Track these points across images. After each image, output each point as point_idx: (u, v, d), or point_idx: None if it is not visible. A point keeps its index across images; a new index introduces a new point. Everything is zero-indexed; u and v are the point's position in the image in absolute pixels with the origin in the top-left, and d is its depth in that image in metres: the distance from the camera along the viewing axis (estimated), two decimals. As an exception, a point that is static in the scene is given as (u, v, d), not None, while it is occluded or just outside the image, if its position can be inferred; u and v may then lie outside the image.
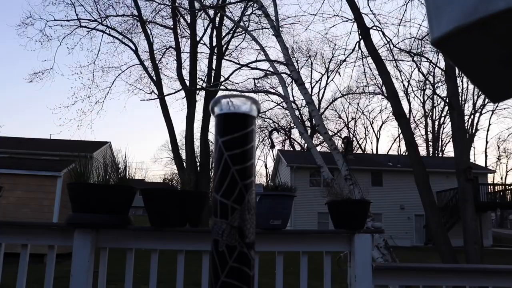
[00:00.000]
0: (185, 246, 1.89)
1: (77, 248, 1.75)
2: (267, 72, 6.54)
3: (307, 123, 29.15)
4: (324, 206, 2.12)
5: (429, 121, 36.62)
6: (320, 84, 39.77)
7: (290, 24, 26.68)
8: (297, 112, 27.73)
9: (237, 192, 0.44)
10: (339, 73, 29.20)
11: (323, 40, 36.31)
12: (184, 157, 18.12)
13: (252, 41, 18.17)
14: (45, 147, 18.56)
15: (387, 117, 36.76)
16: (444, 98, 15.03)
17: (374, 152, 37.03)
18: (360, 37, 7.41)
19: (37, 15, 36.81)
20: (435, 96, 29.99)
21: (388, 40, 8.26)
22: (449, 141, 35.05)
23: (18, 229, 1.85)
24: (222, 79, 18.34)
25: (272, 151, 29.34)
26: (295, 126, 18.89)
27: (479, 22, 0.29)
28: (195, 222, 1.85)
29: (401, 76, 30.58)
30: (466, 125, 27.18)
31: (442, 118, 35.48)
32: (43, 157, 15.60)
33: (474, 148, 38.49)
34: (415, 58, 11.41)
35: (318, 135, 25.29)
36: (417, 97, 35.56)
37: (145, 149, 65.80)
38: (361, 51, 8.49)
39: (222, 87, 19.10)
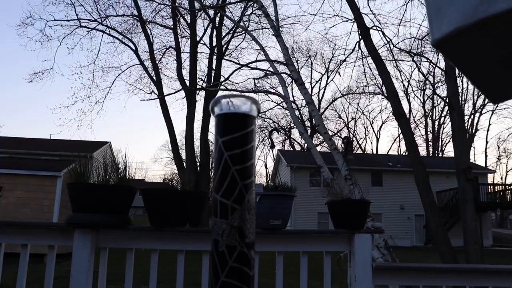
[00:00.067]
0: (185, 246, 1.89)
1: (77, 248, 1.75)
2: (267, 72, 6.54)
3: (307, 123, 29.16)
4: (324, 206, 2.12)
5: (429, 121, 36.66)
6: (320, 84, 39.80)
7: (290, 24, 26.71)
8: (297, 112, 27.74)
9: (237, 192, 0.44)
10: (339, 73, 29.22)
11: (323, 40, 36.36)
12: (184, 157, 18.13)
13: (252, 41, 18.19)
14: (45, 147, 18.56)
15: (387, 117, 36.81)
16: (444, 98, 15.04)
17: (374, 152, 37.05)
18: (360, 37, 7.41)
19: (37, 15, 36.85)
20: (435, 96, 30.03)
21: (388, 40, 8.28)
22: (449, 141, 35.08)
23: (18, 229, 1.85)
24: (222, 79, 18.36)
25: (272, 151, 29.35)
26: (295, 126, 18.89)
27: (480, 23, 0.29)
28: (195, 222, 1.85)
29: (401, 76, 30.60)
30: (466, 125, 27.19)
31: (442, 118, 35.52)
32: (43, 157, 15.61)
33: (474, 148, 38.52)
34: (415, 58, 11.41)
35: (318, 135, 25.29)
36: (417, 97, 35.61)
37: (145, 149, 65.85)
38: (361, 51, 8.50)
39: (222, 87, 19.11)
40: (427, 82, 22.77)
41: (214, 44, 19.31)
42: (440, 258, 7.15)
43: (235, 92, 5.12)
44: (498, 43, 0.31)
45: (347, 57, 9.67)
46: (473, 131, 33.43)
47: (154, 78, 18.65)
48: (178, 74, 18.25)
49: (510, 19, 0.28)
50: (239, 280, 0.43)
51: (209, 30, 19.54)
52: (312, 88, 31.40)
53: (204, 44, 19.74)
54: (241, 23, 16.48)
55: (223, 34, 19.61)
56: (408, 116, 11.27)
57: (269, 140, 26.47)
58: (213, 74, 19.03)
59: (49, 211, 10.62)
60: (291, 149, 31.11)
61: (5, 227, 1.86)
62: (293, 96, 27.15)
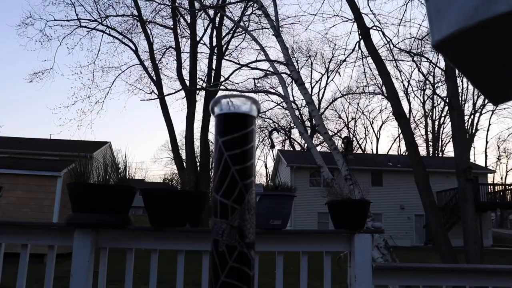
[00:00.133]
0: (185, 246, 1.89)
1: (77, 248, 1.75)
2: (267, 72, 6.54)
3: (307, 123, 29.15)
4: (324, 206, 2.12)
5: (429, 121, 36.67)
6: (320, 84, 39.79)
7: (290, 24, 26.72)
8: (297, 112, 27.74)
9: (237, 192, 0.44)
10: (339, 73, 29.22)
11: (323, 40, 36.38)
12: (184, 157, 18.13)
13: (252, 41, 18.19)
14: (45, 147, 18.56)
15: (387, 117, 36.80)
16: (444, 98, 15.04)
17: (374, 152, 37.05)
18: (360, 37, 7.41)
19: (37, 15, 36.81)
20: (435, 96, 30.01)
21: (388, 40, 8.27)
22: (449, 141, 35.08)
23: (18, 229, 1.85)
24: (222, 79, 18.36)
25: (272, 151, 29.34)
26: (295, 126, 18.89)
27: (480, 25, 0.29)
28: (195, 222, 1.85)
29: (401, 76, 30.62)
30: (466, 125, 27.19)
31: (442, 118, 35.52)
32: (43, 157, 15.61)
33: (474, 148, 38.51)
34: (415, 58, 11.40)
35: (318, 135, 25.29)
36: (417, 97, 35.59)
37: (145, 149, 65.87)
38: (361, 51, 8.50)
39: (222, 87, 19.11)
40: (427, 82, 22.75)
41: (214, 44, 19.32)
42: (440, 258, 7.15)
43: (235, 92, 5.12)
44: (498, 45, 0.31)
45: (347, 57, 9.67)
46: (473, 131, 33.44)
47: (154, 78, 18.66)
48: (178, 74, 18.25)
49: (510, 21, 0.28)
50: (239, 280, 0.43)
51: (209, 30, 19.57)
52: (312, 88, 31.41)
53: (204, 44, 19.76)
54: (241, 23, 16.48)
55: (223, 34, 19.62)
56: (408, 116, 11.27)
57: (269, 140, 26.47)
58: (213, 74, 19.03)
59: (49, 211, 10.62)
60: (291, 149, 31.11)
61: (5, 227, 1.86)
62: (293, 96, 27.17)
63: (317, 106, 26.93)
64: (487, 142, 38.56)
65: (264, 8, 6.29)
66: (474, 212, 7.64)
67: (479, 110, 33.01)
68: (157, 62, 18.78)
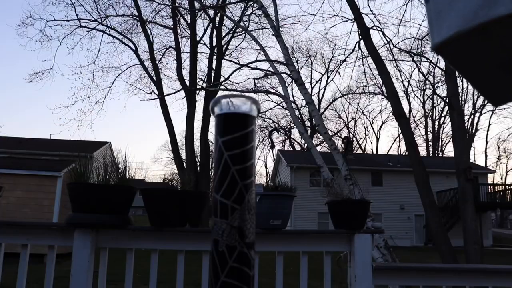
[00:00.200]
0: (185, 246, 1.89)
1: (77, 248, 1.75)
2: (267, 72, 6.54)
3: (307, 123, 29.15)
4: (324, 206, 2.12)
5: (429, 121, 36.66)
6: (320, 84, 39.78)
7: (290, 24, 26.72)
8: (297, 112, 27.73)
9: (237, 192, 0.44)
10: (339, 73, 29.22)
11: (323, 40, 36.39)
12: (184, 157, 18.12)
13: (252, 41, 18.18)
14: (45, 147, 18.56)
15: (387, 117, 36.81)
16: (444, 98, 15.04)
17: (374, 152, 37.04)
18: (360, 37, 7.41)
19: (37, 15, 36.79)
20: (435, 96, 30.02)
21: (388, 40, 8.28)
22: (449, 141, 35.08)
23: (18, 229, 1.85)
24: (222, 79, 18.35)
25: (272, 151, 29.32)
26: (295, 126, 18.89)
27: (480, 28, 0.29)
28: (195, 222, 1.85)
29: (401, 76, 30.61)
30: (466, 125, 27.19)
31: (442, 118, 35.51)
32: (43, 157, 15.61)
33: (474, 148, 38.50)
34: (415, 58, 11.41)
35: (318, 135, 25.29)
36: (417, 97, 35.59)
37: (145, 149, 65.85)
38: (361, 51, 8.50)
39: (222, 87, 19.11)
40: (427, 82, 22.77)
41: (214, 44, 19.31)
42: (440, 258, 7.15)
43: (235, 92, 5.12)
44: (498, 47, 0.31)
45: (347, 57, 9.68)
46: (473, 131, 33.44)
47: (154, 78, 18.66)
48: (178, 74, 18.25)
49: (509, 23, 0.28)
50: (239, 280, 0.43)
51: (209, 30, 19.57)
52: (312, 88, 31.41)
53: (204, 44, 19.76)
54: (241, 23, 16.47)
55: (223, 34, 19.62)
56: (408, 116, 11.27)
57: (269, 140, 26.46)
58: (213, 74, 19.03)
59: (49, 211, 10.62)
60: (291, 149, 31.10)
61: (5, 227, 1.86)
62: (293, 96, 27.17)
63: (317, 106, 26.93)
64: (487, 142, 38.59)
65: (264, 8, 6.29)
66: (474, 212, 7.64)
67: (479, 110, 33.04)
68: (157, 62, 18.78)
